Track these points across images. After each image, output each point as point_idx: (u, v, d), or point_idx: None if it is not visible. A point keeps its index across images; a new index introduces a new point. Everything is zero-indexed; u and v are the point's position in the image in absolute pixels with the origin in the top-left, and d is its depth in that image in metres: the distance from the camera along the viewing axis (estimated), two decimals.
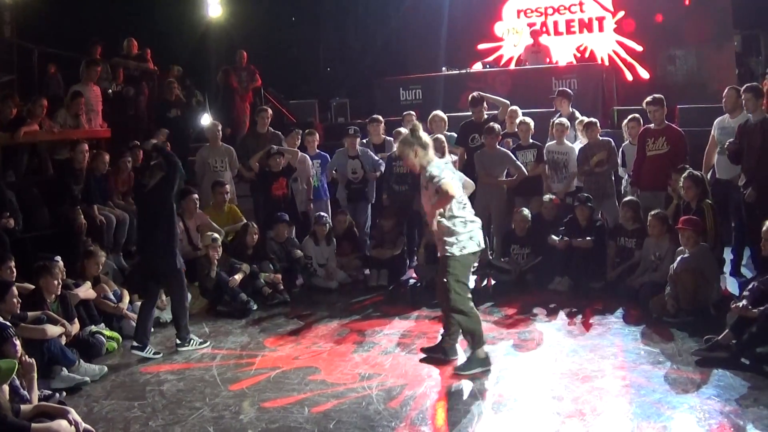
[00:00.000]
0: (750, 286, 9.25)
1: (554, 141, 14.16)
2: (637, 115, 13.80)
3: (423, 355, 9.60)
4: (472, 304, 9.12)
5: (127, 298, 11.35)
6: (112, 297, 11.19)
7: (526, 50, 21.35)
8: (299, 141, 15.17)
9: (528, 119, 14.32)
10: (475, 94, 14.72)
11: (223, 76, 19.84)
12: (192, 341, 10.38)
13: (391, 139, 14.84)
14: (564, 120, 14.27)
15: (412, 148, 8.93)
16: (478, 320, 9.14)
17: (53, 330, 9.09)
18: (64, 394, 8.12)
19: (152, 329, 10.62)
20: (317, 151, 15.59)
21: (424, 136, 9.03)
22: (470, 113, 14.84)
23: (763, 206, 11.25)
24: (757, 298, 8.90)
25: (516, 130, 14.62)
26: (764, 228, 9.67)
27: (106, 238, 12.99)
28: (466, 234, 8.94)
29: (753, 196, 11.51)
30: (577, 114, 15.13)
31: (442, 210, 8.82)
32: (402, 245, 14.03)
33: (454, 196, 8.68)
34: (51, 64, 17.14)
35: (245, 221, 13.74)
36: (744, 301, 8.95)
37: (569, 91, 15.95)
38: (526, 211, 13.31)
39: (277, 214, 13.72)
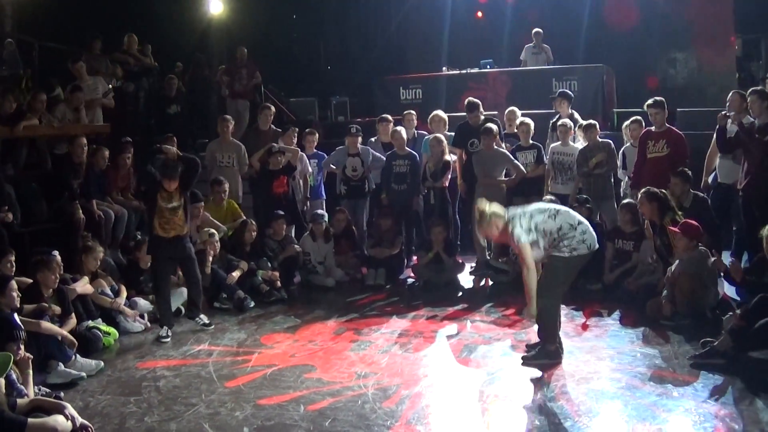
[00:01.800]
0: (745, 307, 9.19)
1: (559, 142, 14.15)
2: (638, 118, 13.76)
3: (422, 354, 9.70)
4: (559, 303, 9.33)
5: (124, 294, 11.35)
6: (109, 292, 11.19)
7: (526, 51, 21.32)
8: (296, 139, 15.15)
9: (528, 120, 14.29)
10: (471, 99, 14.60)
11: (193, 66, 19.82)
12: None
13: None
14: (567, 121, 14.26)
15: (492, 227, 9.01)
16: (557, 320, 9.34)
17: (48, 326, 9.10)
18: (62, 394, 8.10)
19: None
20: (315, 150, 15.58)
21: (492, 208, 9.03)
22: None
23: (762, 210, 11.26)
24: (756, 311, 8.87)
25: (516, 131, 14.63)
26: (764, 232, 9.65)
27: (104, 234, 12.98)
28: (578, 237, 8.98)
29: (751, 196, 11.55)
30: (577, 116, 15.12)
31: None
32: (400, 244, 14.05)
33: (528, 264, 8.81)
34: (9, 40, 16.98)
35: (244, 218, 13.75)
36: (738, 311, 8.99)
37: (569, 92, 15.94)
38: None
39: (275, 212, 13.72)
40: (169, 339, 10.62)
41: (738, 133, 11.95)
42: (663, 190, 11.47)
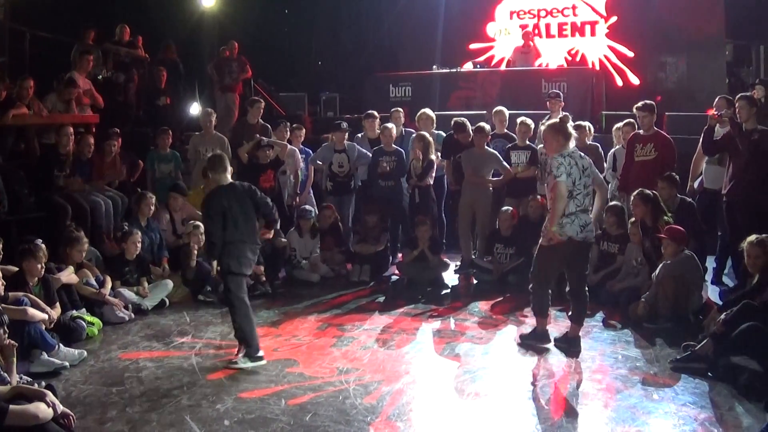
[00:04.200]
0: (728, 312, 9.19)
1: None
2: (631, 120, 13.74)
3: (404, 351, 9.79)
4: (547, 291, 9.96)
5: (109, 285, 11.36)
6: (94, 282, 11.20)
7: (515, 51, 21.35)
8: (288, 134, 15.16)
9: (529, 121, 14.20)
10: (458, 120, 14.57)
11: (164, 50, 19.83)
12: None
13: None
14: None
15: (557, 136, 9.60)
16: (547, 304, 9.94)
17: (33, 312, 9.09)
18: (43, 383, 8.08)
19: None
20: (301, 146, 15.57)
21: (571, 128, 9.75)
22: (459, 112, 14.84)
23: (745, 215, 11.29)
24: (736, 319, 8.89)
25: (504, 131, 14.65)
26: (745, 244, 9.68)
27: (89, 224, 12.97)
28: (556, 228, 9.40)
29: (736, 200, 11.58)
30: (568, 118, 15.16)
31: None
32: (385, 241, 14.08)
33: (563, 197, 9.29)
34: None
35: None
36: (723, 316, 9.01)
37: (559, 92, 15.98)
38: (509, 210, 13.35)
39: None
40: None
41: (725, 136, 11.97)
42: (654, 191, 11.53)
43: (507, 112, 15.01)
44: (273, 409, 7.87)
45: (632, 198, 11.58)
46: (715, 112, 12.14)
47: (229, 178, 9.60)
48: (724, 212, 11.98)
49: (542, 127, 10.21)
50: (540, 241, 9.63)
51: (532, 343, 9.88)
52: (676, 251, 10.59)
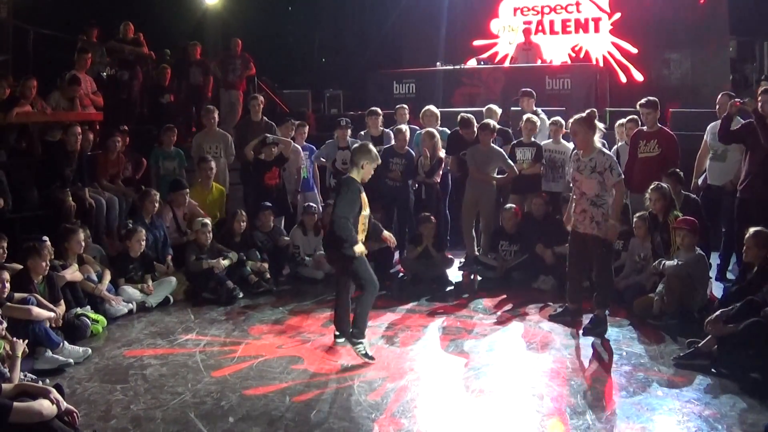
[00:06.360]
0: (731, 308, 9.16)
1: (551, 140, 14.16)
2: (635, 117, 13.72)
3: (408, 348, 9.79)
4: (612, 275, 10.66)
5: (107, 279, 11.33)
6: (94, 277, 11.20)
7: (518, 48, 21.32)
8: (293, 131, 15.16)
9: (534, 117, 14.22)
10: (464, 115, 14.54)
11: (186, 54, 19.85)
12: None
13: (389, 131, 14.82)
14: (559, 119, 14.24)
15: (589, 130, 10.23)
16: (612, 288, 10.66)
17: (38, 311, 9.10)
18: (47, 380, 8.08)
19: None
20: (305, 143, 15.56)
21: (599, 123, 10.45)
22: (462, 109, 14.82)
23: (760, 212, 11.20)
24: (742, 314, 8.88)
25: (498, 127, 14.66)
26: (747, 235, 9.70)
27: (95, 221, 12.99)
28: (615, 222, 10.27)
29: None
30: (540, 113, 15.21)
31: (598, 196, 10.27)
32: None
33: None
34: None
35: (235, 210, 13.78)
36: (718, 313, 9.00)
37: (531, 90, 15.93)
38: (513, 207, 13.34)
39: (262, 203, 13.73)
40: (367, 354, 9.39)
41: (743, 127, 11.85)
42: (668, 185, 11.54)
43: (498, 110, 15.11)
44: (277, 405, 7.88)
45: (650, 193, 11.49)
46: (737, 100, 12.02)
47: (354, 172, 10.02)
48: (736, 208, 11.83)
49: (571, 122, 10.53)
50: (600, 235, 10.22)
51: (595, 330, 10.20)
52: (692, 241, 10.60)
